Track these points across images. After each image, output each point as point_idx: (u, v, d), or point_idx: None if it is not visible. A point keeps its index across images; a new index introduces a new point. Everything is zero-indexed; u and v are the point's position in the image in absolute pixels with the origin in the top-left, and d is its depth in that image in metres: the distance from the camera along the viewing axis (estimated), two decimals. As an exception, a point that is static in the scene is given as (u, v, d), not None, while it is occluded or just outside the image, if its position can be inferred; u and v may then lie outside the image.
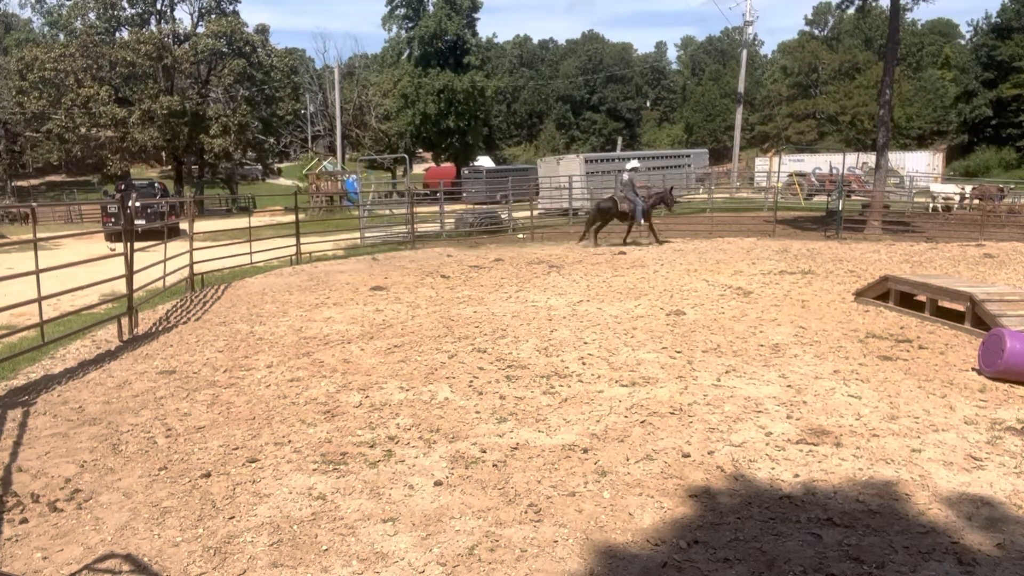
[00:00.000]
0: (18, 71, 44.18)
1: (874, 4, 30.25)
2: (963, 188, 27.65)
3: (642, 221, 16.58)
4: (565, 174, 27.96)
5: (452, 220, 23.11)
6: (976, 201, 24.63)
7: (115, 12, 45.14)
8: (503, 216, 23.35)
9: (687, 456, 4.54)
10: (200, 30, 47.24)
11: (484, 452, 4.65)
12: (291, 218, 17.49)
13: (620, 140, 64.75)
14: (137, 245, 9.23)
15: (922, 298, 8.70)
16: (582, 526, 3.69)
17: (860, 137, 62.98)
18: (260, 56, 46.52)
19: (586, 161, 31.58)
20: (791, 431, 4.92)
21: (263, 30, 50.44)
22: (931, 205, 26.79)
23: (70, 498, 4.10)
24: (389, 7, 54.66)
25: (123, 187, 24.20)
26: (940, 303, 8.43)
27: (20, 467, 4.56)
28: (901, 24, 24.50)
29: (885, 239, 17.64)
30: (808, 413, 5.27)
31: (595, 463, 4.45)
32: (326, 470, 4.42)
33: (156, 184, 28.49)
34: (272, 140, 53.51)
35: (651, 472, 4.32)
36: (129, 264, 8.36)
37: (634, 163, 18.67)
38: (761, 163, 47.19)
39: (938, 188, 29.20)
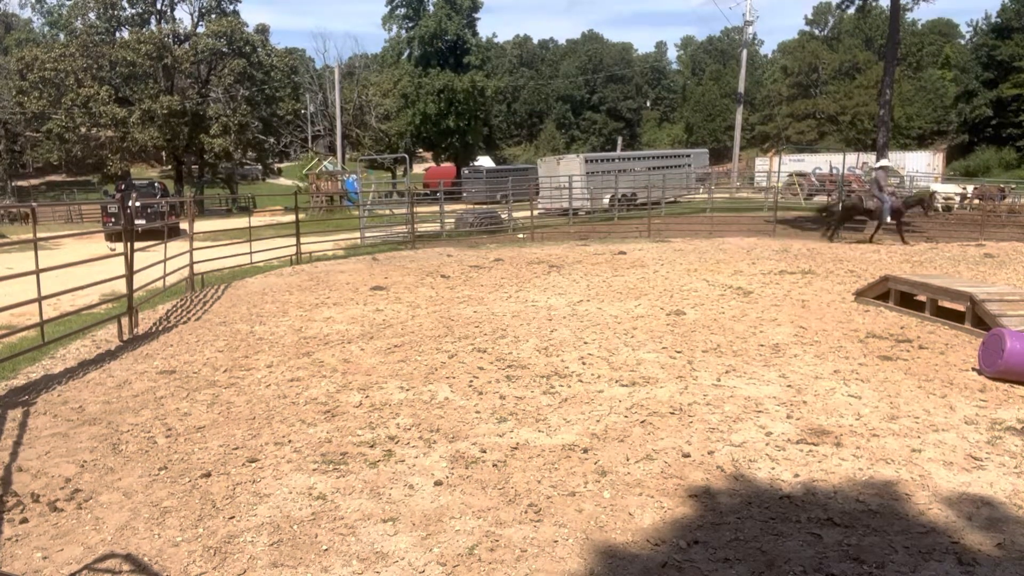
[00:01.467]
0: (18, 71, 44.19)
1: (874, 4, 30.24)
2: (965, 188, 27.63)
3: (888, 220, 16.45)
4: (565, 174, 27.96)
5: (452, 220, 23.11)
6: (976, 201, 24.63)
7: (115, 12, 45.13)
8: (503, 216, 23.34)
9: (687, 456, 4.54)
10: (200, 30, 47.25)
11: (484, 452, 4.65)
12: (291, 218, 17.49)
13: (620, 140, 64.80)
14: (137, 245, 9.23)
15: (922, 298, 8.70)
16: (582, 526, 3.69)
17: (860, 137, 62.95)
18: (260, 56, 46.50)
19: (586, 161, 31.58)
20: (791, 431, 4.93)
21: (263, 30, 50.46)
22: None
23: (70, 498, 4.10)
24: (389, 7, 54.72)
25: (123, 187, 24.19)
26: (940, 303, 8.43)
27: (20, 467, 4.56)
28: (901, 24, 24.50)
29: (885, 239, 17.63)
30: (808, 413, 5.27)
31: (595, 463, 4.45)
32: (326, 470, 4.42)
33: (156, 184, 28.48)
34: (272, 140, 53.49)
35: (651, 472, 4.32)
36: (129, 264, 8.36)
37: (884, 161, 18.60)
38: (761, 163, 47.19)
39: (938, 188, 29.19)
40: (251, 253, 14.02)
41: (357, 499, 4.03)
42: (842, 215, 16.97)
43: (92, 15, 45.11)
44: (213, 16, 46.76)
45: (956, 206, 25.63)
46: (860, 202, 16.61)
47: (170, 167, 52.65)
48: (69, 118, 41.85)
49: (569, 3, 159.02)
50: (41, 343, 7.24)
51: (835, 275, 11.91)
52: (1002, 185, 28.01)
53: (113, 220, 21.53)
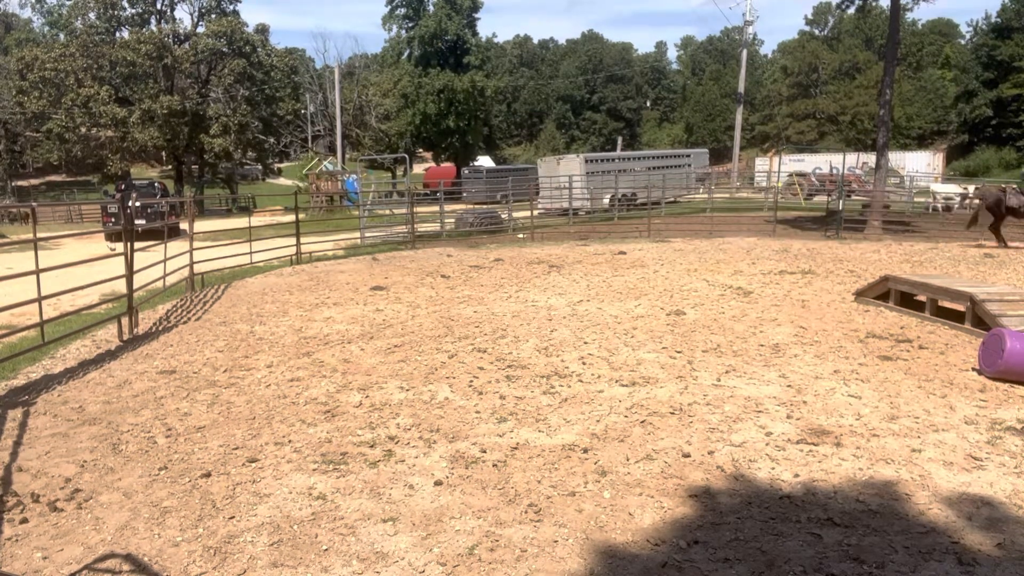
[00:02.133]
0: (18, 71, 44.15)
1: (874, 4, 30.23)
2: (966, 188, 27.58)
3: None
4: (565, 174, 27.96)
5: (452, 220, 23.10)
6: (977, 201, 24.57)
7: (115, 12, 45.09)
8: (503, 216, 23.34)
9: (687, 456, 4.54)
10: (200, 30, 47.22)
11: (484, 452, 4.65)
12: (291, 218, 17.49)
13: (620, 140, 64.83)
14: (137, 245, 9.23)
15: (922, 298, 8.70)
16: (582, 526, 3.69)
17: (860, 137, 62.88)
18: (260, 56, 46.46)
19: (586, 161, 31.58)
20: (791, 431, 4.93)
21: (263, 30, 50.40)
22: (931, 205, 26.78)
23: (70, 498, 4.10)
24: (389, 7, 54.73)
25: (123, 187, 24.20)
26: (940, 303, 8.43)
27: (20, 467, 4.56)
28: (901, 24, 24.50)
29: (885, 239, 17.63)
30: (808, 413, 5.27)
31: (595, 463, 4.45)
32: (326, 470, 4.42)
33: (156, 184, 28.46)
34: (272, 140, 53.44)
35: (651, 472, 4.32)
36: (129, 264, 8.36)
37: None
38: (761, 163, 47.20)
39: (938, 188, 29.18)
40: (251, 253, 14.02)
41: (357, 499, 4.03)
42: (992, 214, 16.00)
43: (92, 15, 45.08)
44: (213, 16, 46.72)
45: (956, 206, 25.62)
46: (1004, 195, 15.85)
47: (170, 167, 52.63)
48: (69, 118, 41.82)
49: (569, 3, 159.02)
50: (41, 343, 7.24)
51: (835, 275, 11.91)
52: (1003, 185, 27.97)
53: (113, 220, 21.53)
